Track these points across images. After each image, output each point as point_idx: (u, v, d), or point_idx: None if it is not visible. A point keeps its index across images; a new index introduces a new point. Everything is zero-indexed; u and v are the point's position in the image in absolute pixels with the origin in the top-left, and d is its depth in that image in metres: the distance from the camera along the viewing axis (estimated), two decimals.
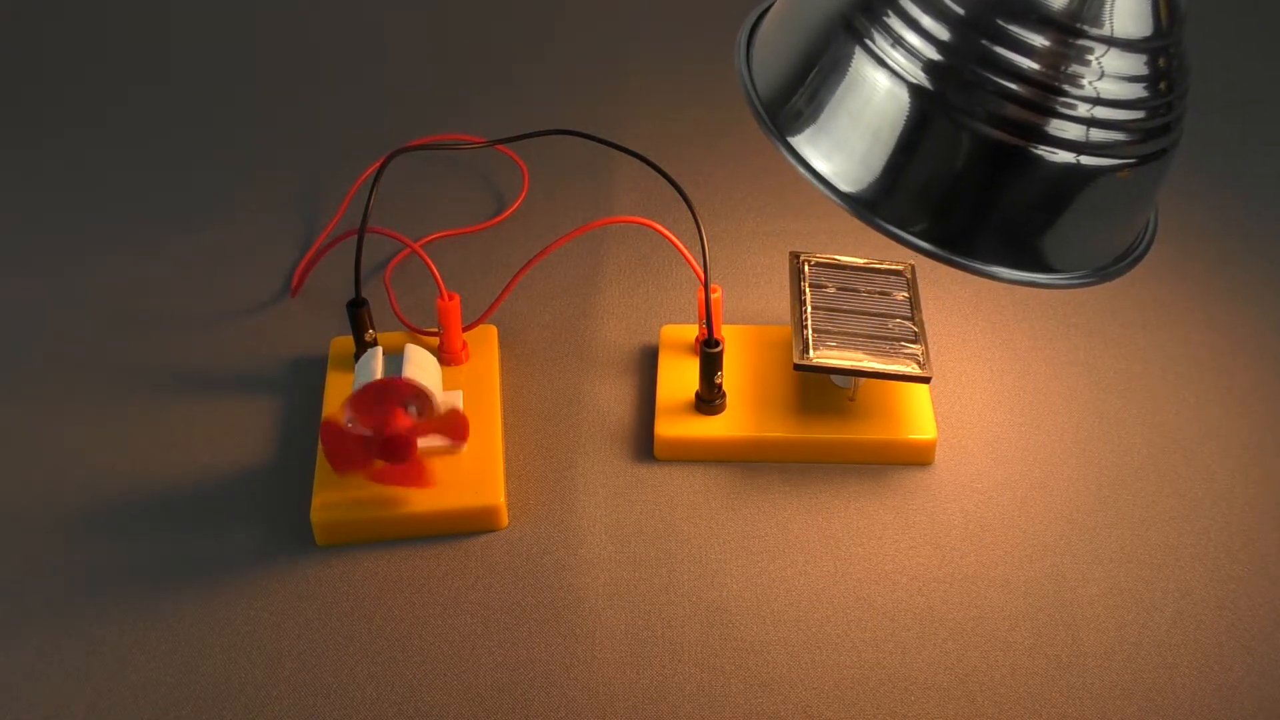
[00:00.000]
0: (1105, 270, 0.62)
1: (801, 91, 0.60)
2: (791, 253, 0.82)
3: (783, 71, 0.61)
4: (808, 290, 0.79)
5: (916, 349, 0.75)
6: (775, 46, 0.62)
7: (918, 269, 0.82)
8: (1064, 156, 0.56)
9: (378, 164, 0.94)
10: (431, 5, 1.21)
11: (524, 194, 0.97)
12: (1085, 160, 0.56)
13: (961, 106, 0.55)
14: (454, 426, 0.71)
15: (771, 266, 0.91)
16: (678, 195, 0.77)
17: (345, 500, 0.72)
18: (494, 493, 0.73)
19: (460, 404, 0.76)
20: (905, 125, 0.57)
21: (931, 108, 0.56)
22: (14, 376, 0.83)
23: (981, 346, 0.85)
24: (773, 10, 0.65)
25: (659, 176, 0.78)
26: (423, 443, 0.71)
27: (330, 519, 0.71)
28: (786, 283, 0.89)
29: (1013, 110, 0.55)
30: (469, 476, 0.73)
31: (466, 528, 0.73)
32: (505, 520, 0.73)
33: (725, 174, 1.00)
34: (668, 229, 0.78)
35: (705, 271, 0.75)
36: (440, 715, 0.64)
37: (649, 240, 0.92)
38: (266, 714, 0.64)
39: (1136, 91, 0.56)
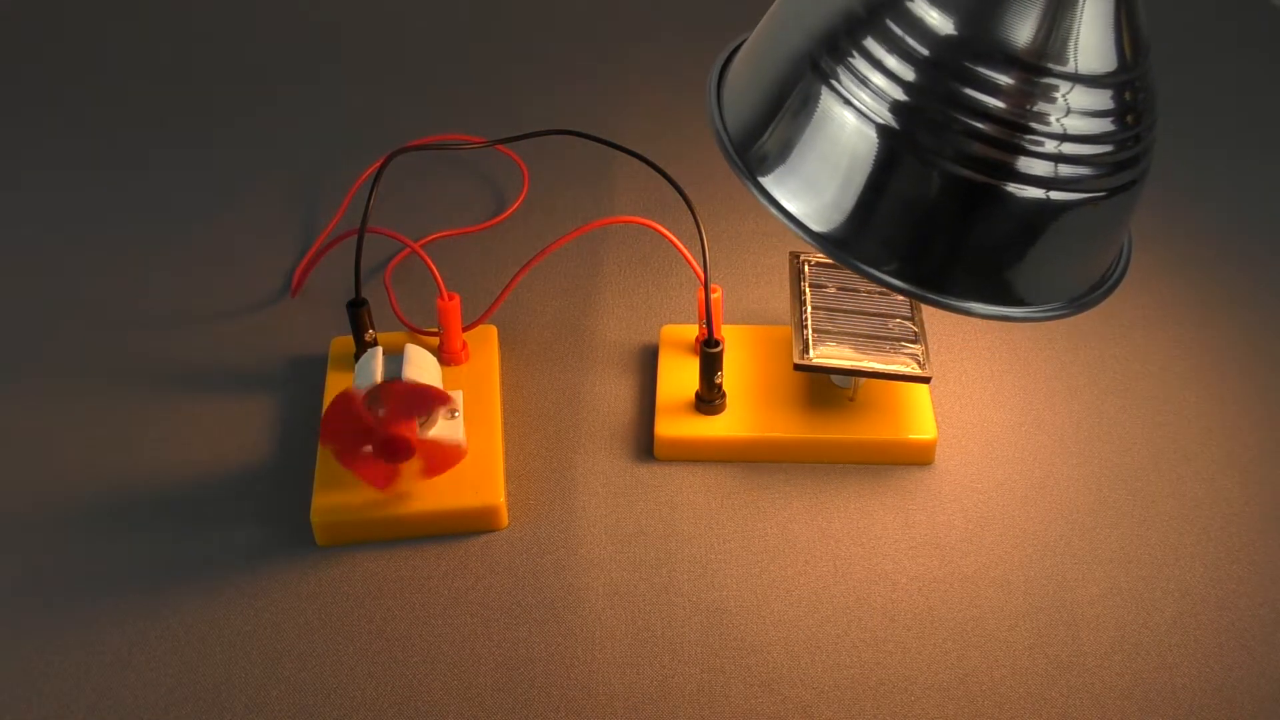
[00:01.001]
0: (1079, 301, 0.63)
1: (771, 131, 0.60)
2: (791, 253, 0.82)
3: (752, 111, 0.61)
4: (808, 290, 0.79)
5: (916, 349, 0.75)
6: (745, 86, 0.62)
7: None
8: (1033, 193, 0.56)
9: (378, 164, 0.94)
10: (432, 5, 1.21)
11: (524, 194, 0.97)
12: (1055, 195, 0.56)
13: (930, 146, 0.55)
14: (440, 459, 0.71)
15: (771, 266, 0.91)
16: (678, 195, 0.77)
17: (345, 500, 0.72)
18: (494, 493, 0.73)
19: (460, 404, 0.76)
20: (874, 165, 0.57)
21: (900, 147, 0.56)
22: (14, 376, 0.83)
23: (981, 346, 0.85)
24: (742, 50, 0.65)
25: (659, 176, 0.78)
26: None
27: (330, 519, 0.71)
28: (786, 283, 0.89)
29: (981, 149, 0.55)
30: (469, 476, 0.73)
31: (466, 528, 0.73)
32: (505, 520, 0.73)
33: (725, 174, 1.00)
34: (668, 229, 0.78)
35: (705, 271, 0.75)
36: (440, 715, 0.64)
37: (649, 240, 0.92)
38: (266, 714, 0.64)
39: (1104, 126, 0.56)
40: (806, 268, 0.81)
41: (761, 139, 0.61)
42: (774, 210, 0.60)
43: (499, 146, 0.96)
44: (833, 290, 0.79)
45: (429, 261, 0.79)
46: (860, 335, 0.76)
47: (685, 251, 0.77)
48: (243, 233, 0.94)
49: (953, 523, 0.74)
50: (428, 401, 0.70)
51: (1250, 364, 0.83)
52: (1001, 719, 0.64)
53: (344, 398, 0.68)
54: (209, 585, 0.70)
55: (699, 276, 0.75)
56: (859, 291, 0.79)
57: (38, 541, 0.73)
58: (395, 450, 0.69)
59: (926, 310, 0.86)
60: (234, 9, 1.21)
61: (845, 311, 0.78)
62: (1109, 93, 0.56)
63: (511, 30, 1.18)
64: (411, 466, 0.71)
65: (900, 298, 0.79)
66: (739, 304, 0.88)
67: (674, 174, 0.78)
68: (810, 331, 0.76)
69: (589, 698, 0.65)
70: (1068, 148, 0.56)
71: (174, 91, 1.10)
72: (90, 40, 1.17)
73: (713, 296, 0.75)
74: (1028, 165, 0.55)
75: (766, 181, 0.60)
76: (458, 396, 0.77)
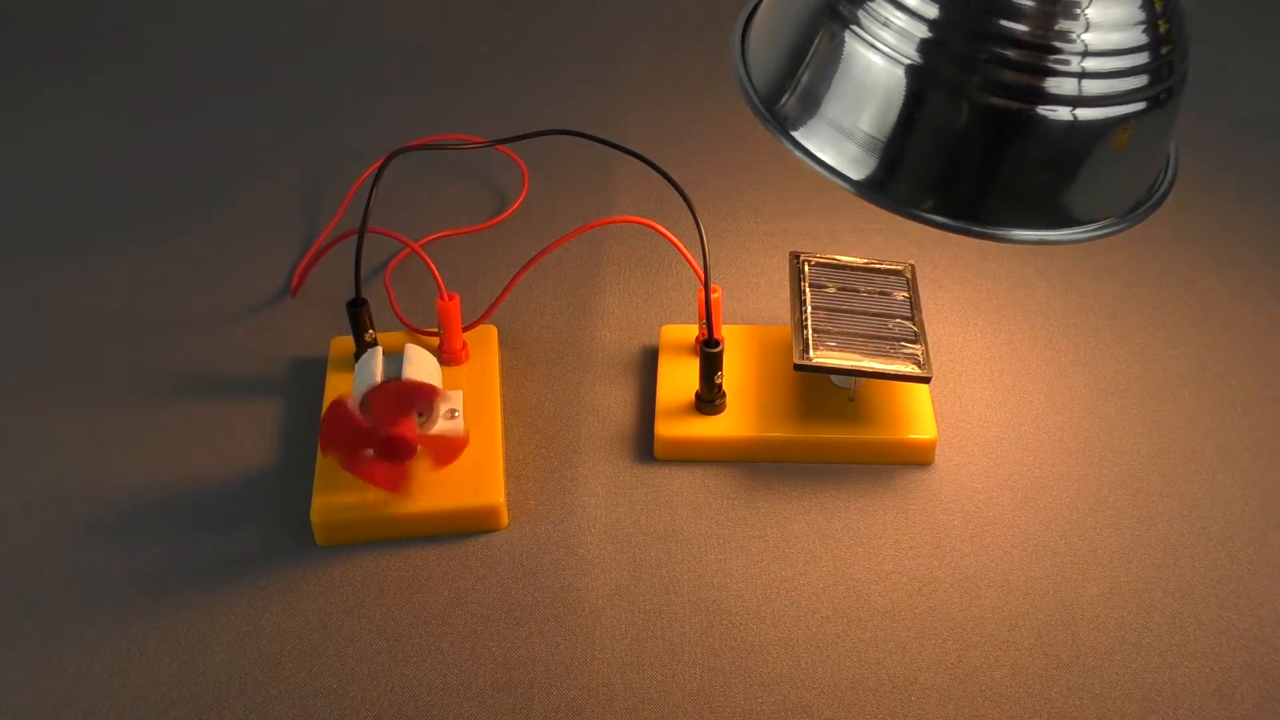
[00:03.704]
0: (1125, 217, 0.62)
1: (797, 83, 0.60)
2: (791, 253, 0.82)
3: (777, 64, 0.61)
4: (808, 290, 0.79)
5: (916, 349, 0.75)
6: (768, 40, 0.63)
7: (918, 269, 0.82)
8: (1064, 113, 0.55)
9: (378, 164, 0.94)
10: (432, 5, 1.21)
11: (524, 194, 0.97)
12: (1088, 113, 0.56)
13: (956, 78, 0.55)
14: (446, 450, 0.71)
15: (771, 266, 0.91)
16: (678, 195, 0.77)
17: (345, 500, 0.72)
18: (494, 493, 0.73)
19: (460, 404, 0.76)
20: (903, 104, 0.57)
21: (926, 83, 0.56)
22: (14, 377, 0.83)
23: (981, 346, 0.85)
24: (763, 5, 0.65)
25: (659, 176, 0.78)
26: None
27: (330, 519, 0.71)
28: (786, 283, 0.89)
29: (1009, 75, 0.55)
30: (469, 476, 0.73)
31: (466, 528, 0.73)
32: (505, 520, 0.73)
33: (725, 174, 1.00)
34: (668, 229, 0.78)
35: (705, 271, 0.75)
36: (440, 715, 0.64)
37: (649, 240, 0.92)
38: (266, 714, 0.64)
39: (1133, 37, 0.55)
40: (806, 268, 0.81)
41: (788, 91, 0.61)
42: (808, 161, 0.60)
43: (499, 146, 0.96)
44: (833, 290, 0.79)
45: (429, 261, 0.79)
46: (860, 335, 0.76)
47: (685, 251, 0.77)
48: (243, 233, 0.94)
49: (953, 523, 0.74)
50: (417, 397, 0.70)
51: (1250, 364, 0.83)
52: (1001, 719, 0.64)
53: (336, 406, 0.68)
54: (209, 586, 0.70)
55: (699, 276, 0.75)
56: (859, 291, 0.79)
57: (38, 542, 0.73)
58: (396, 449, 0.69)
59: (928, 309, 0.86)
60: (233, 9, 1.21)
61: (845, 311, 0.78)
62: (1136, 2, 0.55)
63: (512, 30, 1.18)
64: (421, 464, 0.71)
65: (900, 297, 0.79)
66: (739, 304, 0.88)
67: (674, 174, 0.78)
68: (810, 331, 0.76)
69: (589, 698, 0.65)
70: (1095, 63, 0.55)
71: (173, 91, 1.10)
72: (90, 40, 1.17)
73: (713, 296, 0.75)
74: (1057, 85, 0.55)
75: (798, 134, 0.60)
76: (457, 396, 0.77)
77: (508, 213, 0.95)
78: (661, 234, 0.77)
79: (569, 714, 0.64)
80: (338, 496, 0.72)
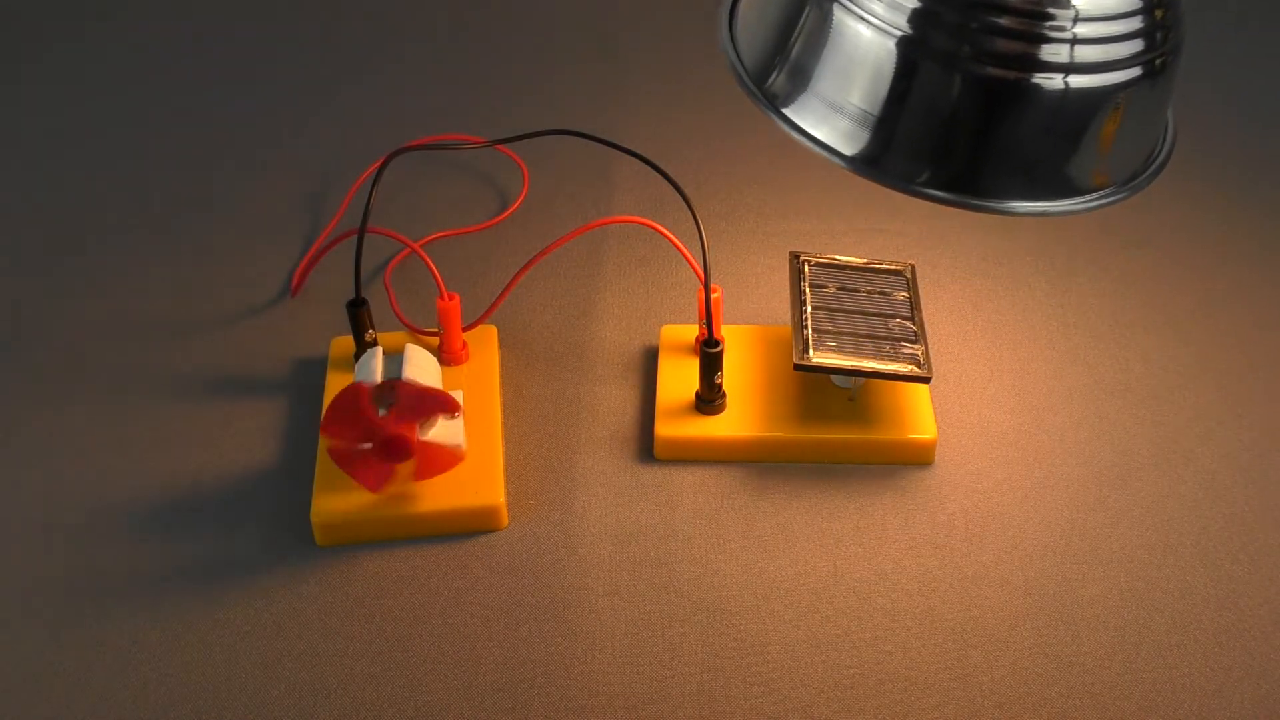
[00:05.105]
0: (1124, 187, 0.61)
1: (786, 59, 0.60)
2: (791, 253, 0.82)
3: (765, 41, 0.61)
4: (808, 290, 0.79)
5: (916, 349, 0.75)
6: (756, 16, 0.62)
7: (918, 269, 0.82)
8: (1058, 80, 0.55)
9: (378, 164, 0.94)
10: (432, 5, 1.21)
11: (524, 194, 0.97)
12: (1082, 81, 0.55)
13: (948, 48, 0.54)
14: (434, 463, 0.71)
15: (771, 266, 0.91)
16: (678, 195, 0.77)
17: (345, 500, 0.72)
18: (494, 493, 0.73)
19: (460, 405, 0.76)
20: (895, 76, 0.56)
21: (918, 54, 0.55)
22: (14, 377, 0.83)
23: (981, 346, 0.85)
24: None
25: (659, 176, 0.78)
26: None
27: (330, 519, 0.71)
28: (786, 283, 0.89)
29: (1001, 44, 0.54)
30: (469, 476, 0.73)
31: (466, 528, 0.73)
32: (505, 520, 0.73)
33: (725, 174, 1.00)
34: (668, 229, 0.78)
35: (705, 271, 0.75)
36: (440, 715, 0.64)
37: (649, 240, 0.92)
38: (266, 714, 0.64)
39: (1127, 1, 0.55)
40: (806, 268, 0.81)
41: (778, 68, 0.60)
42: (800, 138, 0.59)
43: (499, 146, 0.96)
44: (833, 290, 0.79)
45: (429, 261, 0.79)
46: (860, 335, 0.76)
47: (685, 251, 0.77)
48: (243, 233, 0.94)
49: (953, 523, 0.74)
50: (434, 406, 0.70)
51: (1250, 364, 0.83)
52: (1001, 719, 0.64)
53: (352, 390, 0.68)
54: (209, 585, 0.70)
55: (699, 276, 0.75)
56: (859, 291, 0.79)
57: (38, 542, 0.73)
58: (396, 450, 0.69)
59: (928, 309, 0.86)
60: (233, 9, 1.21)
61: (845, 311, 0.78)
62: None
63: (512, 30, 1.18)
64: (405, 468, 0.71)
65: (900, 297, 0.79)
66: (739, 304, 0.88)
67: (674, 174, 0.78)
68: (810, 331, 0.76)
69: (589, 698, 0.65)
70: (1088, 29, 0.54)
71: (173, 91, 1.10)
72: (89, 40, 1.17)
73: (713, 296, 0.75)
74: (1051, 53, 0.54)
75: (789, 110, 0.60)
76: (458, 398, 0.77)
77: (508, 213, 0.95)
78: (661, 234, 0.77)
79: (569, 714, 0.64)
80: (338, 496, 0.72)
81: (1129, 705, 0.65)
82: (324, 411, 0.70)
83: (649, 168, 0.79)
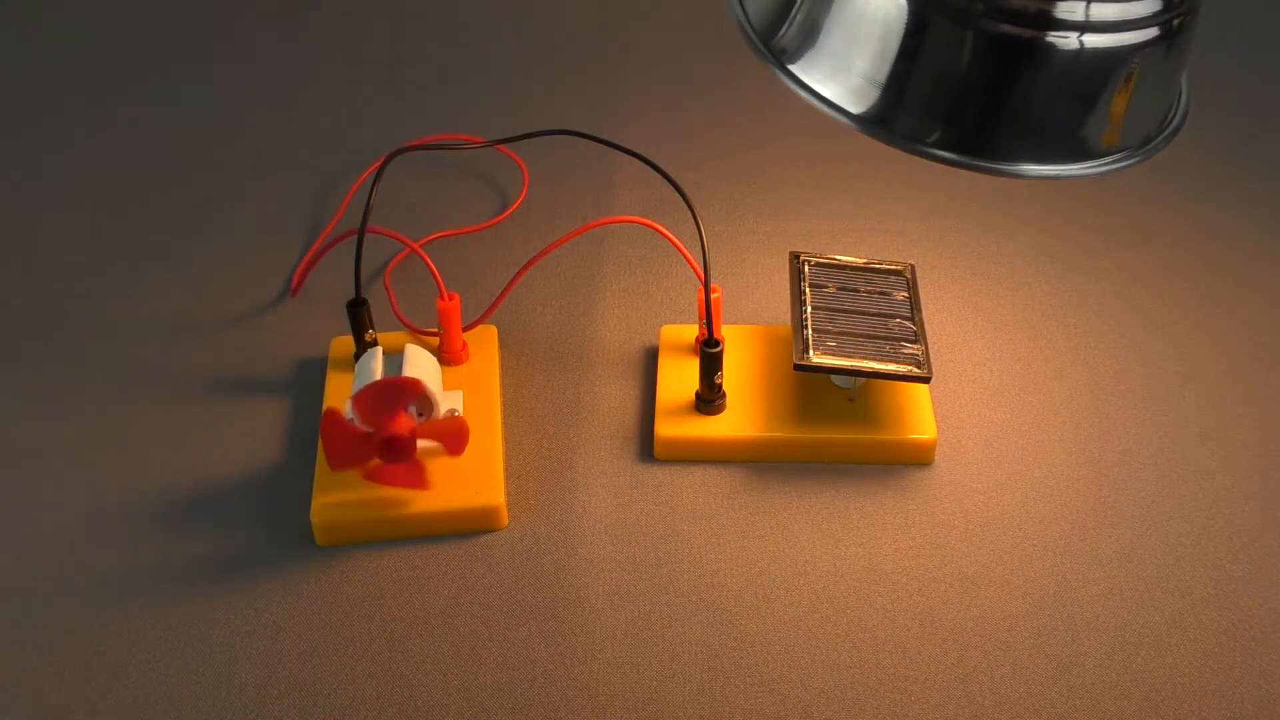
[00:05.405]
0: (1137, 151, 0.60)
1: (794, 15, 0.58)
2: (791, 253, 0.82)
3: None
4: (808, 290, 0.79)
5: (916, 349, 0.75)
6: None
7: (918, 269, 0.82)
8: (1072, 39, 0.54)
9: (378, 164, 0.94)
10: (432, 5, 1.21)
11: (524, 194, 0.97)
12: (1096, 40, 0.54)
13: (961, 5, 0.53)
14: (453, 435, 0.71)
15: (771, 266, 0.91)
16: (678, 195, 0.77)
17: (345, 500, 0.72)
18: (494, 493, 0.73)
19: (460, 404, 0.76)
20: (905, 33, 0.55)
21: (930, 10, 0.54)
22: (14, 377, 0.83)
23: (981, 346, 0.85)
24: None
25: (659, 176, 0.78)
26: (421, 443, 0.71)
27: (330, 519, 0.71)
28: (786, 283, 0.89)
29: (1014, 1, 0.53)
30: (469, 476, 0.73)
31: (466, 528, 0.73)
32: (505, 520, 0.73)
33: (725, 174, 1.00)
34: (668, 229, 0.78)
35: (705, 271, 0.75)
36: (440, 715, 0.64)
37: (649, 240, 0.92)
38: (266, 714, 0.64)
39: None
40: (806, 268, 0.81)
41: (786, 24, 0.59)
42: (807, 96, 0.58)
43: (499, 146, 0.96)
44: (833, 290, 0.79)
45: (429, 261, 0.79)
46: (860, 335, 0.76)
47: (685, 251, 0.77)
48: (243, 233, 0.95)
49: (953, 523, 0.74)
50: (402, 392, 0.69)
51: (1249, 363, 0.83)
52: (1001, 719, 0.64)
53: (329, 419, 0.68)
54: (209, 585, 0.70)
55: (699, 276, 0.75)
56: (859, 291, 0.79)
57: (38, 542, 0.73)
58: (396, 449, 0.69)
59: (928, 309, 0.86)
60: (233, 9, 1.21)
61: (845, 311, 0.78)
62: None
63: (512, 30, 1.18)
64: (435, 456, 0.71)
65: (900, 297, 0.79)
66: (739, 304, 0.88)
67: (674, 174, 0.78)
68: (810, 331, 0.76)
69: (589, 698, 0.65)
70: None
71: (172, 91, 1.10)
72: (89, 40, 1.17)
73: (713, 296, 0.75)
74: (1067, 10, 0.53)
75: (796, 68, 0.58)
76: (457, 396, 0.77)
77: (508, 213, 0.95)
78: (661, 234, 0.77)
79: (569, 714, 0.64)
80: (338, 496, 0.72)
81: (1129, 705, 0.65)
82: (322, 444, 0.70)
83: (649, 168, 0.79)
